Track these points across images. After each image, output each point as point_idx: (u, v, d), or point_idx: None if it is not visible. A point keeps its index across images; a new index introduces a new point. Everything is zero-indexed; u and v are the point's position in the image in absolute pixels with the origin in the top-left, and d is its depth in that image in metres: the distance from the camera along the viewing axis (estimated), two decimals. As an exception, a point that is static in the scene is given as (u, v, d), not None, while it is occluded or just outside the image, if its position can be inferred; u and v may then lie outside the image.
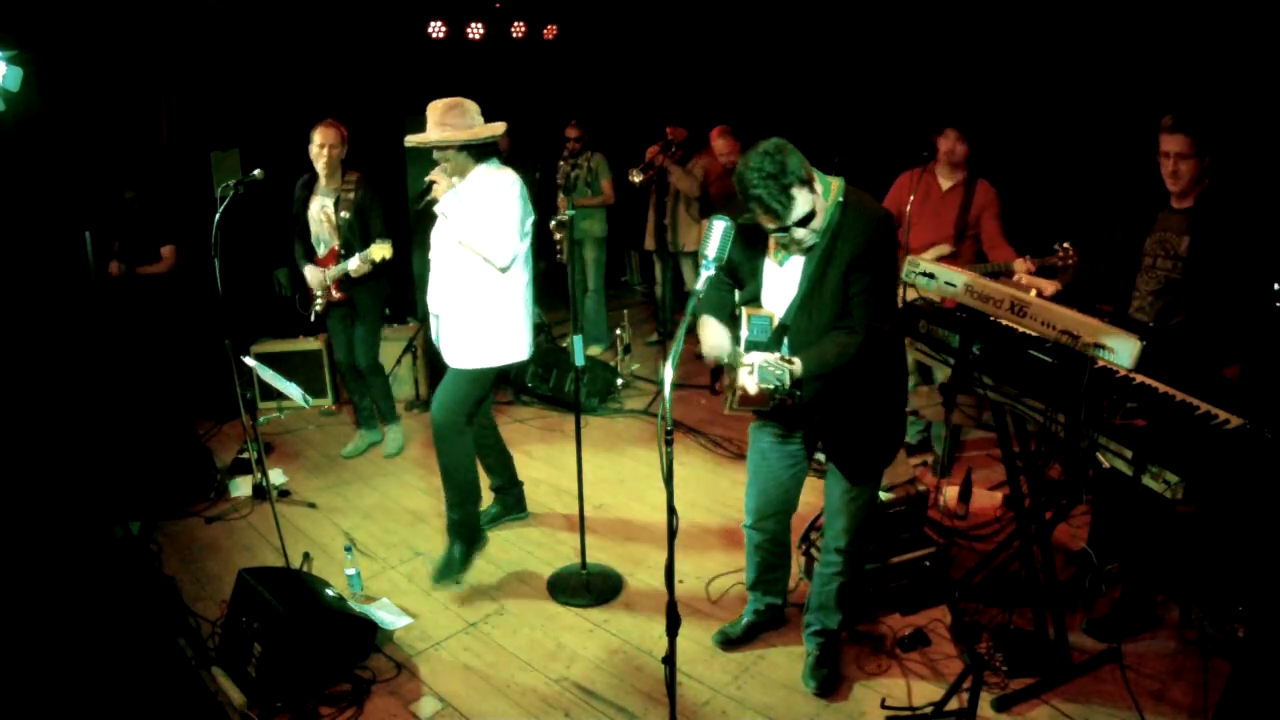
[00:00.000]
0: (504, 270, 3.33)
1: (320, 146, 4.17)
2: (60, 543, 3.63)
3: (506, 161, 3.44)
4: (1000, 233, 3.99)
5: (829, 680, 2.88)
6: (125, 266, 4.62)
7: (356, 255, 4.12)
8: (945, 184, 4.10)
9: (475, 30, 6.42)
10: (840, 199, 2.42)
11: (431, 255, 3.47)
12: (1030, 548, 2.88)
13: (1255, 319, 2.79)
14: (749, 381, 2.30)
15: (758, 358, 2.29)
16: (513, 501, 4.06)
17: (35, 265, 4.45)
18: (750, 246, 2.59)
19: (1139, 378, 2.45)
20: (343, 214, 4.24)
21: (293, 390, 3.20)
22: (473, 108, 3.33)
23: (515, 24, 6.63)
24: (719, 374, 5.64)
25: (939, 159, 4.06)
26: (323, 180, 4.30)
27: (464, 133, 3.25)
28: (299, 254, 4.46)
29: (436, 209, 3.36)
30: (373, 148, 4.72)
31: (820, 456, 2.82)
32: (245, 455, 4.49)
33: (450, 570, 3.57)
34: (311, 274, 4.36)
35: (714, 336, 2.51)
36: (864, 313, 2.41)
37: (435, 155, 3.34)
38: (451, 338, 3.43)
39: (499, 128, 3.33)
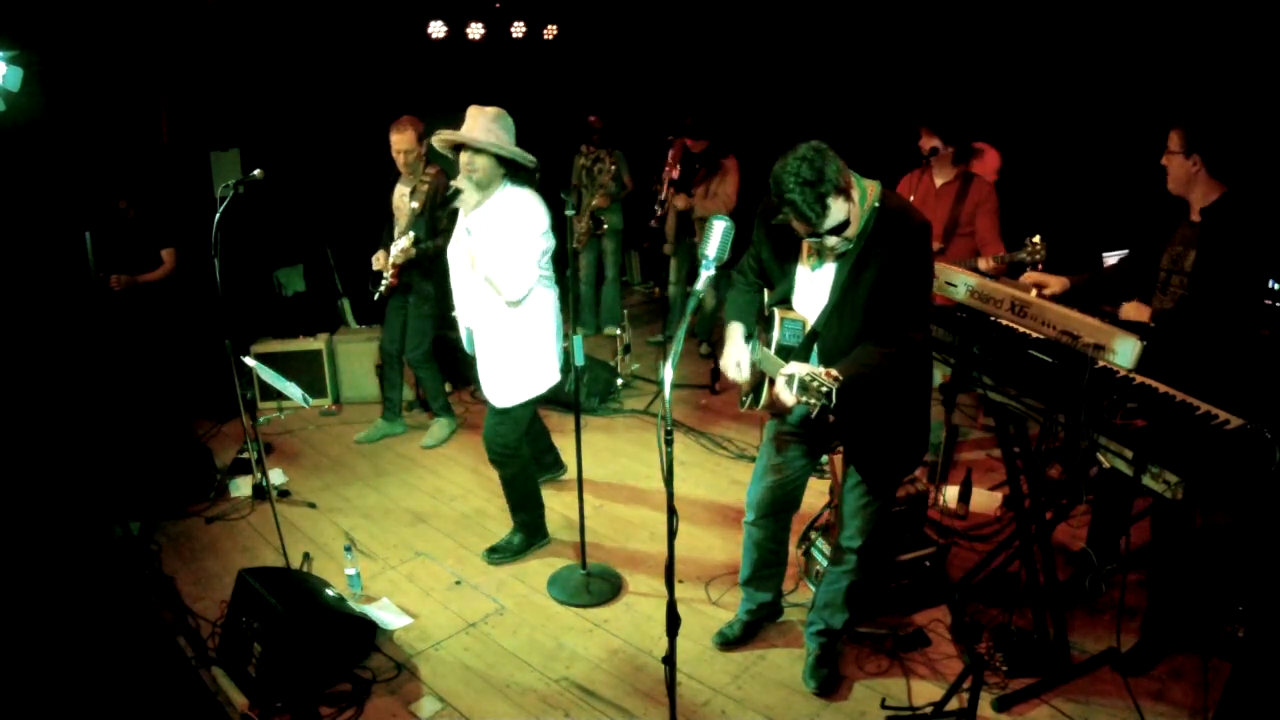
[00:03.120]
0: (513, 305, 3.25)
1: (395, 151, 4.34)
2: (60, 543, 3.63)
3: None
4: (993, 230, 3.88)
5: (829, 680, 2.89)
6: (127, 278, 4.61)
7: (396, 243, 4.29)
8: (939, 181, 4.03)
9: (475, 30, 6.42)
10: (877, 204, 2.36)
11: (452, 271, 3.44)
12: (1030, 548, 2.88)
13: (1251, 324, 2.75)
14: (785, 393, 2.20)
15: (798, 368, 2.18)
16: (551, 460, 4.35)
17: (35, 265, 4.45)
18: (783, 247, 2.55)
19: (1139, 378, 2.44)
20: (413, 204, 4.39)
21: (293, 390, 3.20)
22: (512, 125, 3.27)
23: (515, 24, 6.63)
24: (719, 373, 5.62)
25: (934, 158, 4.04)
26: (403, 171, 4.46)
27: (509, 147, 3.18)
28: (385, 236, 4.61)
29: (462, 222, 3.31)
30: (372, 147, 4.73)
31: (824, 457, 2.81)
32: (245, 455, 4.49)
33: (504, 553, 3.71)
34: (379, 256, 4.50)
35: (734, 352, 2.58)
36: (897, 323, 2.36)
37: (463, 160, 3.19)
38: (490, 377, 3.41)
39: (533, 159, 3.26)
